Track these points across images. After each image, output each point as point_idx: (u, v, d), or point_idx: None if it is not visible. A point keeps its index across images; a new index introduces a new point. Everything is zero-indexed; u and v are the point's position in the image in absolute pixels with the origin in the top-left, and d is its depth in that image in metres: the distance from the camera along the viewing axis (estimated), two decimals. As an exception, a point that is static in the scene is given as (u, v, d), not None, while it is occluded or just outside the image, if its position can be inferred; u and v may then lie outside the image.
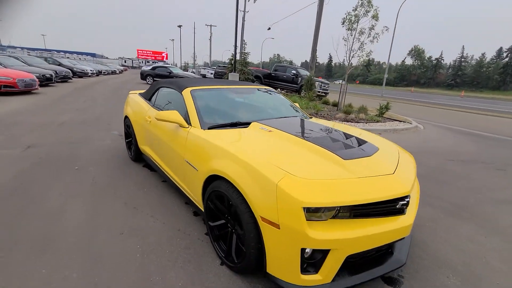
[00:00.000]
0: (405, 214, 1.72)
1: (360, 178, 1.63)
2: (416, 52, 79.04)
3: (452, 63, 72.81)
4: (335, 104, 11.07)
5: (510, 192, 3.55)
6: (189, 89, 2.70)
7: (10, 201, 2.55)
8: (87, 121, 6.09)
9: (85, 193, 2.80)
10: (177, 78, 3.82)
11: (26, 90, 9.14)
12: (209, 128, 2.30)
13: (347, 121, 8.01)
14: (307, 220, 1.43)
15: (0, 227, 2.14)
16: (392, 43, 25.41)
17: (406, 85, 72.27)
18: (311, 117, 3.12)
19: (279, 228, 1.46)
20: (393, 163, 1.90)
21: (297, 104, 3.47)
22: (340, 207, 1.50)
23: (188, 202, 2.62)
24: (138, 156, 3.64)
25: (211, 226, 2.02)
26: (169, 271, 1.81)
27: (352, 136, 2.29)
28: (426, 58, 78.38)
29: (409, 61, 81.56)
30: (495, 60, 67.24)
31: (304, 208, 1.41)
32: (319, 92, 14.68)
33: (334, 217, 1.52)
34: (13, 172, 3.17)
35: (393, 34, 25.08)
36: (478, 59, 69.43)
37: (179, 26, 45.57)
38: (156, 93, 3.41)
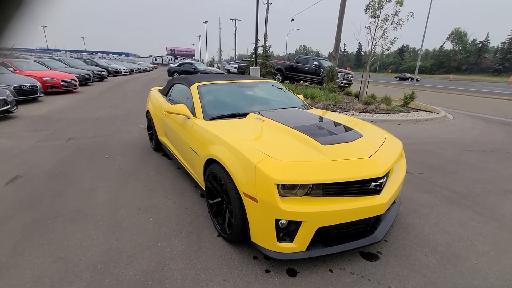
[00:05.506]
0: (379, 194, 1.87)
1: (333, 161, 1.81)
2: (457, 36, 72.16)
3: (500, 46, 65.34)
4: (358, 95, 10.82)
5: (525, 182, 3.37)
6: (196, 84, 3.01)
7: (53, 182, 3.10)
8: (118, 116, 6.77)
9: (112, 177, 3.28)
10: (189, 75, 4.14)
11: (68, 89, 10.26)
12: (210, 119, 2.59)
13: (366, 112, 7.85)
14: (280, 195, 1.67)
15: (45, 203, 2.66)
16: (426, 26, 23.64)
17: (445, 72, 66.79)
18: (311, 108, 3.28)
19: (257, 202, 1.71)
20: (373, 149, 2.04)
21: (301, 96, 3.63)
22: (312, 185, 1.72)
23: (196, 185, 2.96)
24: (158, 146, 4.08)
25: (210, 203, 2.33)
26: (174, 239, 2.16)
27: (340, 124, 2.44)
28: (469, 41, 71.32)
29: (448, 46, 74.90)
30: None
31: (277, 184, 1.65)
32: (341, 83, 14.35)
33: (308, 194, 1.74)
34: (56, 160, 3.77)
35: (428, 16, 23.34)
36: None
37: (205, 22, 46.53)
38: (171, 89, 3.79)
